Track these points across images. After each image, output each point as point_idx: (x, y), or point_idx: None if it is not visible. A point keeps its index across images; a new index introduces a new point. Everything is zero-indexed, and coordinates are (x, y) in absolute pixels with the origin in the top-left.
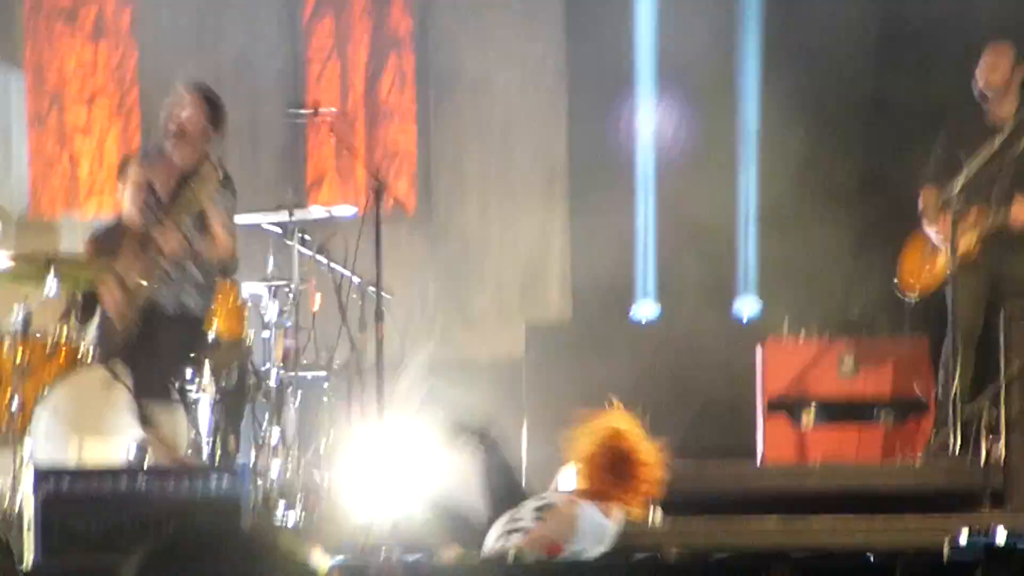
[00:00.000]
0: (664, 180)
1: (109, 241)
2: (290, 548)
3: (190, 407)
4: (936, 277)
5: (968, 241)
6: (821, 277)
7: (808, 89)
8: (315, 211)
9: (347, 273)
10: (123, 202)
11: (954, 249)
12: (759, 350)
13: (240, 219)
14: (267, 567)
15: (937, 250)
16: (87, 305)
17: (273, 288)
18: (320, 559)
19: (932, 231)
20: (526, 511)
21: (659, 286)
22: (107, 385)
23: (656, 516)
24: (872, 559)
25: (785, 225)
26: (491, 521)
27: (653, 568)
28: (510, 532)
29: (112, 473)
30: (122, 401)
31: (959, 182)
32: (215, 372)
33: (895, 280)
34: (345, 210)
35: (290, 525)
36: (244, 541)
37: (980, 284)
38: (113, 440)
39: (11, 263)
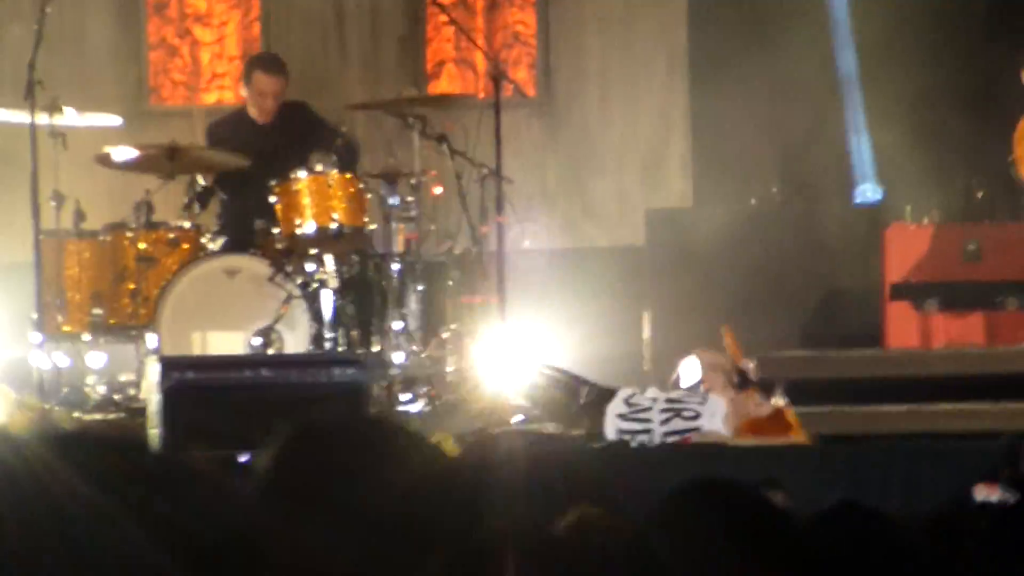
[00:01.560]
0: (778, 64)
1: (229, 131)
2: (416, 434)
3: (313, 298)
4: None
5: None
6: (942, 164)
7: None
8: (435, 99)
9: (468, 160)
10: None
11: None
12: (883, 236)
13: (359, 107)
14: (394, 453)
15: None
16: (207, 193)
17: (393, 177)
18: (446, 443)
19: None
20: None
21: (781, 172)
22: (231, 275)
23: (781, 403)
24: (1000, 442)
25: (905, 112)
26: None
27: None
28: (669, 416)
29: (236, 364)
30: (246, 291)
31: None
32: (337, 262)
33: (1010, 162)
34: (465, 100)
35: (414, 414)
36: (370, 428)
37: None
38: (237, 331)
39: (133, 153)
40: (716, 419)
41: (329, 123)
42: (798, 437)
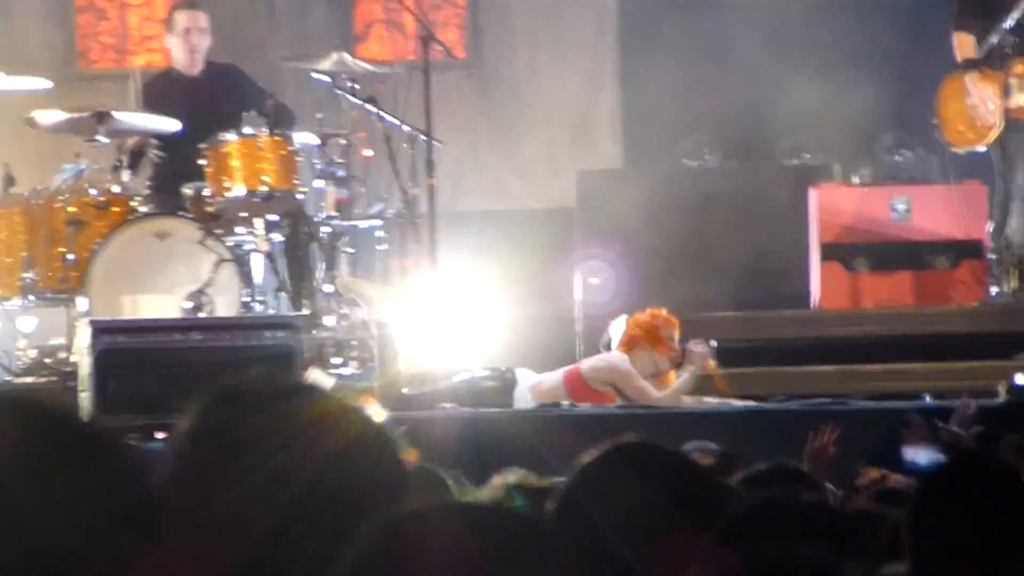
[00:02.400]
0: (709, 24)
1: (160, 89)
2: (346, 399)
3: (243, 261)
4: (985, 134)
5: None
6: (870, 123)
7: None
8: (363, 64)
9: (397, 123)
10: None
11: (1007, 105)
12: (811, 195)
13: (289, 68)
14: (323, 417)
15: (981, 102)
16: (137, 156)
17: (323, 139)
18: (376, 410)
19: (974, 85)
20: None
21: (711, 132)
22: (161, 238)
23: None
24: (928, 403)
25: (833, 70)
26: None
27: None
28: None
29: (167, 328)
30: (177, 254)
31: (1006, 22)
32: (268, 225)
33: (934, 124)
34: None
35: (346, 376)
36: (299, 392)
37: None
38: (168, 295)
39: (62, 117)
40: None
41: (259, 85)
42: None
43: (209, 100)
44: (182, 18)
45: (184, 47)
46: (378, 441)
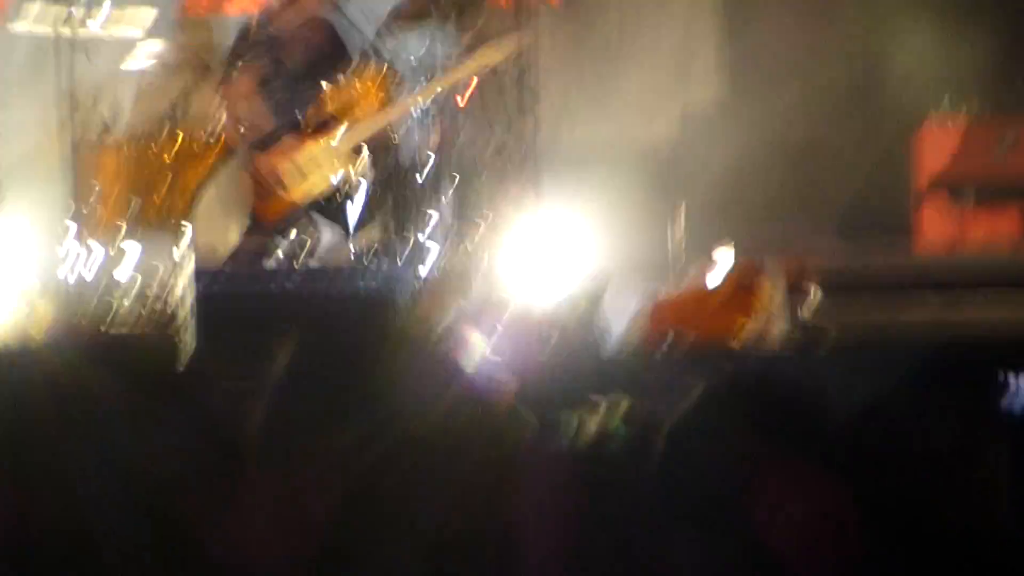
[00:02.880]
0: None
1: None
2: (442, 345)
3: (348, 191)
4: None
5: None
6: (980, 55)
7: None
8: None
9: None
10: None
11: None
12: (919, 130)
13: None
14: (417, 364)
15: None
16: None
17: (427, 74)
18: (478, 342)
19: None
20: None
21: (816, 68)
22: None
23: (816, 298)
24: None
25: (944, 9)
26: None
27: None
28: None
29: (268, 274)
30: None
31: None
32: (372, 158)
33: None
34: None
35: (447, 312)
36: (396, 339)
37: None
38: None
39: (169, 57)
40: None
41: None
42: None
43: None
44: None
45: None
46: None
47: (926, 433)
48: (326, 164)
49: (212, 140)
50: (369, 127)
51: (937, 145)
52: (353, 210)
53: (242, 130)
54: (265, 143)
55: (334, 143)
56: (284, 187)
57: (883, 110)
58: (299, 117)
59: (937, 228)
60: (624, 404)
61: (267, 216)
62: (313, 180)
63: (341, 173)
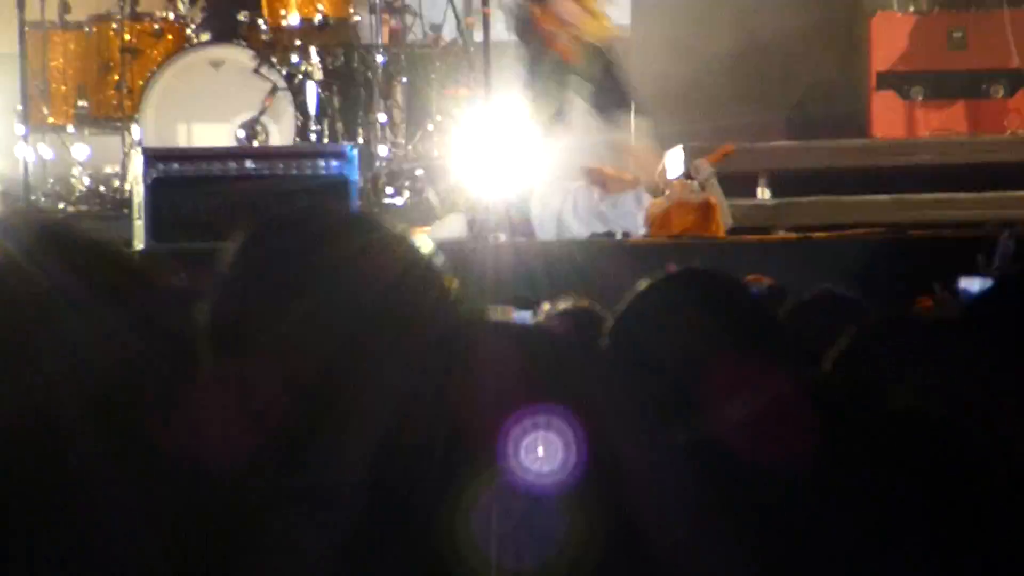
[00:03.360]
0: None
1: None
2: (397, 230)
3: (298, 90)
4: None
5: None
6: None
7: None
8: None
9: None
10: None
11: None
12: (869, 24)
13: None
14: (372, 246)
15: None
16: None
17: None
18: (424, 241)
19: None
20: None
21: None
22: (216, 66)
23: (765, 194)
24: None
25: None
26: None
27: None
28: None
29: (220, 155)
30: (231, 82)
31: None
32: (322, 54)
33: None
34: None
35: (398, 206)
36: (350, 221)
37: None
38: (222, 123)
39: None
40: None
41: None
42: (718, 229)
43: None
44: None
45: None
46: (425, 271)
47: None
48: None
49: (160, 32)
50: None
51: (887, 41)
52: (311, 95)
53: None
54: None
55: None
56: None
57: (833, 5)
58: None
59: (888, 124)
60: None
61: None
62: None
63: None
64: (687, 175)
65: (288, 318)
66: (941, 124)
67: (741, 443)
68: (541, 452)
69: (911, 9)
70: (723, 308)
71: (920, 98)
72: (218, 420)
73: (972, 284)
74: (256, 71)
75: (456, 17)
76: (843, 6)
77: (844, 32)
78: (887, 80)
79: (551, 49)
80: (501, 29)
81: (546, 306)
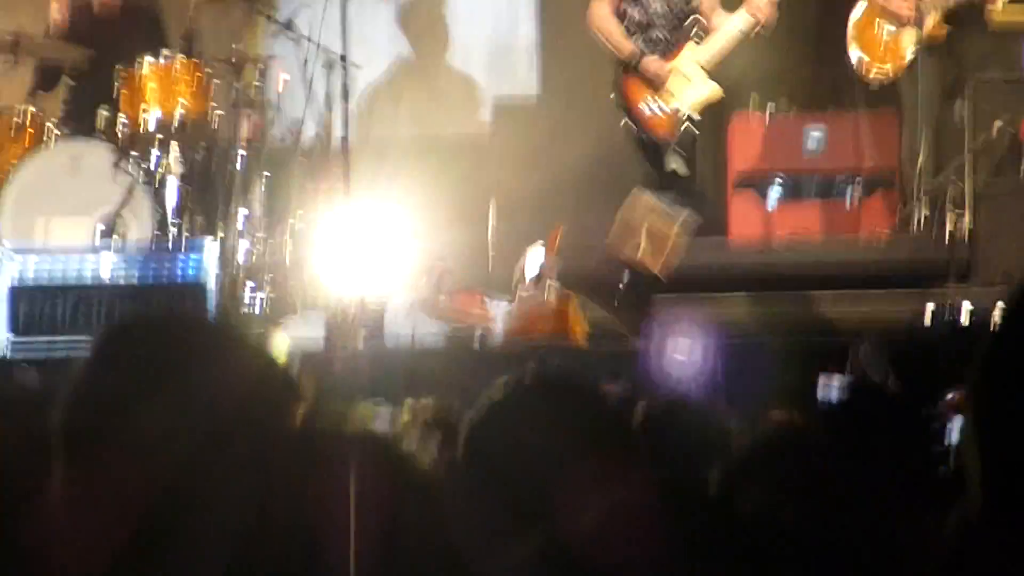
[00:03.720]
0: None
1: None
2: (253, 334)
3: (158, 185)
4: (899, 59)
5: (934, 20)
6: (787, 53)
7: None
8: None
9: (314, 46)
10: None
11: (920, 28)
12: (727, 125)
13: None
14: (227, 352)
15: (892, 25)
16: (50, 77)
17: (240, 63)
18: (281, 343)
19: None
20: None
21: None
22: (76, 161)
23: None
24: (838, 336)
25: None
26: None
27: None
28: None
29: (80, 251)
30: (91, 178)
31: None
32: (182, 149)
33: (847, 56)
34: None
35: (257, 306)
36: (206, 325)
37: (942, 62)
38: (82, 219)
39: None
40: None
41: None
42: (577, 333)
43: (127, 28)
44: None
45: None
46: (280, 377)
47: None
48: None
49: (20, 126)
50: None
51: (744, 142)
52: (171, 191)
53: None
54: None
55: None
56: (669, 92)
57: None
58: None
59: (746, 224)
60: (428, 402)
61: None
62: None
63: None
64: (539, 276)
65: (140, 422)
66: (797, 225)
67: (594, 548)
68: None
69: (769, 110)
70: (577, 413)
71: (777, 199)
72: (72, 523)
73: (831, 383)
74: (116, 166)
75: (317, 113)
76: (705, 107)
77: (705, 132)
78: (745, 180)
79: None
80: (361, 126)
81: (408, 402)
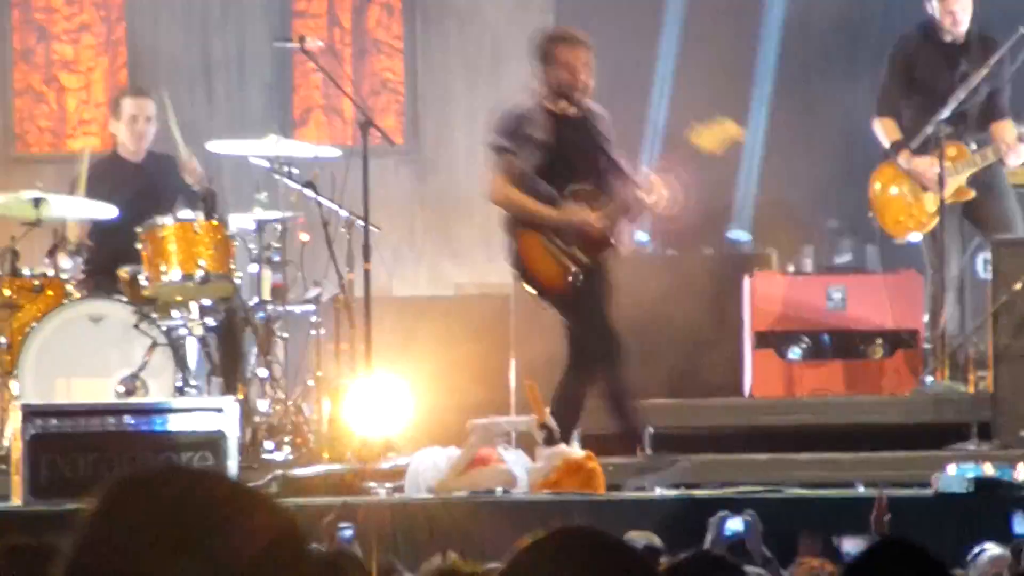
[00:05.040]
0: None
1: (103, 171)
2: (267, 494)
3: (178, 345)
4: (925, 219)
5: (958, 181)
6: (810, 211)
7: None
8: (302, 148)
9: (335, 207)
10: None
11: (942, 186)
12: (747, 283)
13: (227, 151)
14: (240, 510)
15: (916, 187)
16: (64, 241)
17: (261, 223)
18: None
19: (907, 163)
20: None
21: (649, 219)
22: (95, 321)
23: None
24: (862, 494)
25: (772, 158)
26: None
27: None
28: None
29: (99, 411)
30: (111, 338)
31: (943, 113)
32: (203, 309)
33: (870, 217)
34: (330, 151)
35: (278, 461)
36: (216, 482)
37: (961, 221)
38: (101, 378)
39: None
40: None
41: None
42: (599, 488)
43: (149, 186)
44: (129, 105)
45: (130, 134)
46: (294, 540)
47: None
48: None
49: (40, 288)
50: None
51: (765, 300)
52: (191, 350)
53: None
54: None
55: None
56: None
57: (713, 260)
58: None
59: (764, 381)
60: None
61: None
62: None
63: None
64: (547, 437)
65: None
66: (819, 384)
67: None
68: None
69: (791, 268)
70: (604, 565)
71: (798, 358)
72: None
73: (853, 545)
74: (136, 326)
75: (338, 273)
76: (726, 265)
77: (723, 291)
78: (765, 340)
79: None
80: (382, 284)
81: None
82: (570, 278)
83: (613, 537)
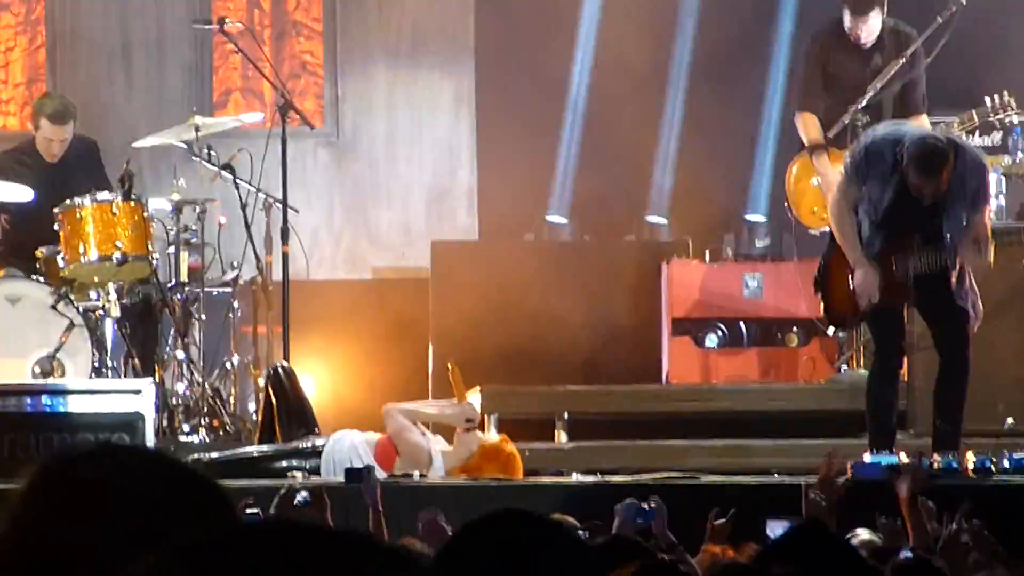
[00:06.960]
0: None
1: (15, 160)
2: (194, 469)
3: (95, 326)
4: None
5: None
6: (726, 199)
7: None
8: (223, 122)
9: (253, 189)
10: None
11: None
12: (664, 270)
13: (145, 134)
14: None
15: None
16: None
17: (178, 205)
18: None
19: (823, 166)
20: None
21: (568, 205)
22: (12, 302)
23: (562, 438)
24: (777, 481)
25: (688, 147)
26: None
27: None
28: None
29: (14, 391)
30: (27, 318)
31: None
32: (120, 290)
33: (787, 207)
34: (252, 117)
35: (195, 443)
36: (147, 459)
37: None
38: (18, 359)
39: None
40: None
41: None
42: (517, 472)
43: (65, 173)
44: (47, 130)
45: (44, 149)
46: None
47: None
48: None
49: None
50: None
51: (682, 288)
52: (108, 332)
53: None
54: None
55: None
56: None
57: (631, 248)
58: None
59: (681, 368)
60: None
61: None
62: None
63: None
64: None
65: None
66: (735, 371)
67: None
68: None
69: (708, 256)
70: (546, 547)
71: (714, 345)
72: None
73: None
74: (53, 307)
75: (256, 255)
76: (643, 252)
77: (644, 277)
78: (682, 327)
79: None
80: (300, 267)
81: None
82: None
83: (548, 518)
